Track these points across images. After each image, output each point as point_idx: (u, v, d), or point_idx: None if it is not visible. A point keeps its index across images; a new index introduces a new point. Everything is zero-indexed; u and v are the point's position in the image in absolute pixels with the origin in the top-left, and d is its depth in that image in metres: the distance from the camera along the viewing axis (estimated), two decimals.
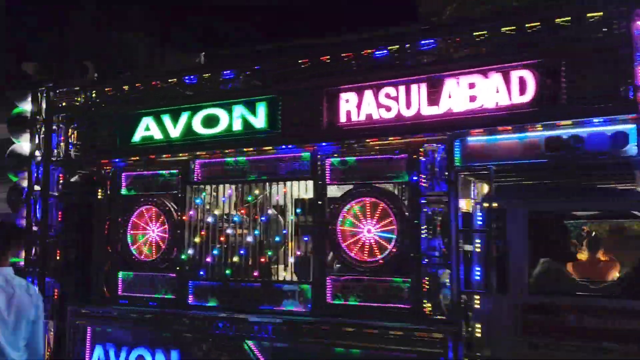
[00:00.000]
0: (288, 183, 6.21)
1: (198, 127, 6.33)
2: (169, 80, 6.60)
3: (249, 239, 6.31)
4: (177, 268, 6.40)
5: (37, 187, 7.21)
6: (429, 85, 5.29)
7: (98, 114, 6.98)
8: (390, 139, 5.51)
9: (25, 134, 7.48)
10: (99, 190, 6.95)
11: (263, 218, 6.52)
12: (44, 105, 7.27)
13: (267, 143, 6.02)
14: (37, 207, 7.23)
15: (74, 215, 7.30)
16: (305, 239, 6.22)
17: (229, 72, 6.28)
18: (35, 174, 7.28)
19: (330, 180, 5.80)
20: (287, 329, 5.65)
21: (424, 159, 5.38)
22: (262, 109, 6.02)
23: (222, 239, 6.41)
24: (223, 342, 5.89)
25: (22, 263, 7.33)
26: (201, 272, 6.36)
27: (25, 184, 7.44)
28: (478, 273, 5.08)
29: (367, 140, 5.63)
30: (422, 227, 5.33)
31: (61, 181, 7.33)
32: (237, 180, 6.34)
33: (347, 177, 5.75)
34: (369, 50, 5.61)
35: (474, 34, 5.17)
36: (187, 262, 6.38)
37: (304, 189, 6.33)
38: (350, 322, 5.41)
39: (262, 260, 6.27)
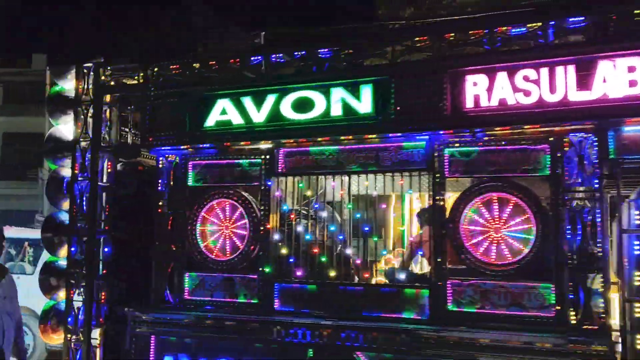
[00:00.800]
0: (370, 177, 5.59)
1: (287, 111, 5.61)
2: (252, 59, 5.85)
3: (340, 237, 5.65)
4: (261, 269, 5.68)
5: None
6: (577, 68, 4.73)
7: (161, 95, 6.15)
8: (525, 127, 4.94)
9: (66, 116, 6.60)
10: (159, 181, 6.15)
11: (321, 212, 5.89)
12: (89, 84, 6.42)
13: (374, 130, 5.35)
14: (83, 199, 6.38)
15: (125, 209, 6.49)
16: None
17: (326, 50, 5.58)
18: (81, 161, 6.42)
19: (449, 173, 5.19)
20: (404, 339, 5.00)
21: (569, 150, 4.82)
22: (367, 92, 5.35)
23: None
24: (326, 353, 5.20)
25: (61, 262, 6.48)
26: (299, 273, 5.65)
27: (65, 172, 6.58)
28: (638, 278, 4.56)
29: (497, 129, 5.04)
30: (566, 227, 4.78)
31: (109, 170, 6.49)
32: (331, 172, 5.65)
33: (469, 170, 5.15)
34: (504, 28, 5.02)
35: (635, 11, 4.63)
36: (273, 262, 5.68)
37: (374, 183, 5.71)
38: (483, 333, 4.81)
39: (368, 262, 5.63)
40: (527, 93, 4.85)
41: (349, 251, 6.00)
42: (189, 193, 6.08)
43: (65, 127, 6.62)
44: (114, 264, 6.35)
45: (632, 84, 4.57)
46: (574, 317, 4.68)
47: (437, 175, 5.19)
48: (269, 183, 5.74)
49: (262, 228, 5.71)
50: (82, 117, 6.43)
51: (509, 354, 4.69)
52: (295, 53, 5.69)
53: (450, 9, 5.83)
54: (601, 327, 4.59)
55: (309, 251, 5.78)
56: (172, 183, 6.17)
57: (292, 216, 5.90)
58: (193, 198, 6.05)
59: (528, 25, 4.93)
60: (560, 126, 4.82)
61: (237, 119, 5.80)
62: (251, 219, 5.77)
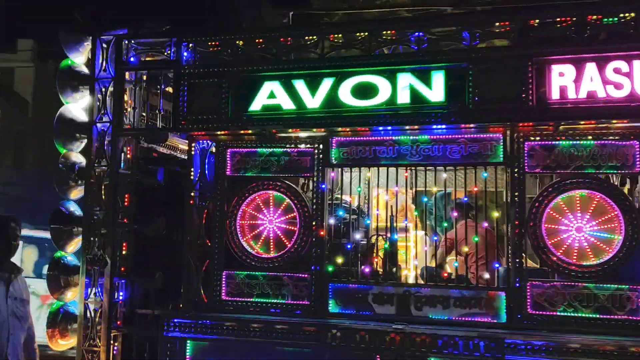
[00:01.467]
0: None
1: (346, 97, 5.15)
2: (307, 38, 5.35)
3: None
4: (313, 268, 5.21)
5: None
6: None
7: (197, 75, 5.53)
8: (614, 121, 4.71)
9: (77, 93, 5.89)
10: (192, 170, 5.54)
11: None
12: (109, 59, 5.72)
13: (446, 120, 4.97)
14: (101, 187, 5.69)
15: (148, 200, 5.85)
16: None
17: (392, 32, 5.17)
18: (97, 145, 5.72)
19: (529, 168, 4.90)
20: (487, 344, 4.67)
21: None
22: (439, 79, 4.97)
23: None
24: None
25: (69, 258, 5.78)
26: (367, 270, 5.22)
27: (75, 157, 5.87)
28: None
29: (582, 123, 4.78)
30: None
31: (128, 156, 5.83)
32: (392, 164, 5.24)
33: (551, 165, 4.87)
34: (594, 17, 4.76)
35: None
36: (327, 260, 5.22)
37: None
38: (573, 336, 4.55)
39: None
40: (618, 86, 4.63)
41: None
42: (226, 184, 5.52)
43: (75, 106, 5.90)
44: (134, 261, 5.72)
45: None
46: None
47: (515, 170, 4.89)
48: (321, 174, 5.28)
49: (314, 223, 5.24)
50: (99, 95, 5.73)
51: (602, 359, 4.45)
52: (355, 34, 5.24)
53: None
54: None
55: (368, 249, 5.36)
56: (206, 172, 5.58)
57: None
58: (232, 189, 5.50)
59: (621, 15, 4.71)
60: None
61: (287, 104, 5.28)
62: (302, 213, 5.28)
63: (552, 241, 4.77)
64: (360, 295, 5.11)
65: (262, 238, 5.39)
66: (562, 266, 4.73)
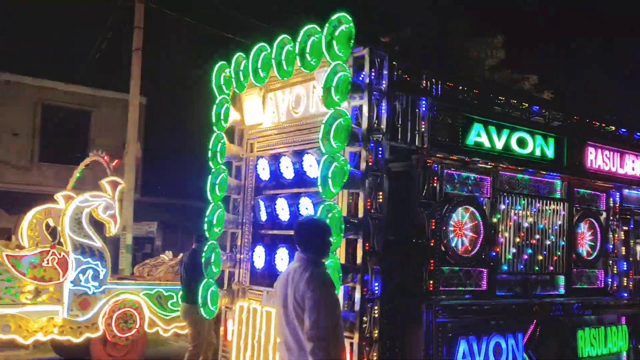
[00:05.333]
0: None
1: (514, 144, 7.49)
2: (512, 102, 7.35)
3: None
4: (491, 264, 7.24)
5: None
6: None
7: (439, 107, 6.69)
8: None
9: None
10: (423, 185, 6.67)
11: None
12: (381, 74, 6.21)
13: (553, 170, 7.93)
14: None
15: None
16: None
17: (536, 107, 7.76)
18: (365, 152, 6.14)
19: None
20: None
21: None
22: (552, 142, 7.92)
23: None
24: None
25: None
26: (504, 267, 7.44)
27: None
28: None
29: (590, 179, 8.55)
30: None
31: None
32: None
33: None
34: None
35: None
36: (496, 258, 7.34)
37: None
38: None
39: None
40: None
41: None
42: (443, 198, 6.85)
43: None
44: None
45: None
46: None
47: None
48: (491, 197, 7.36)
49: (492, 232, 7.27)
50: (375, 107, 6.15)
51: None
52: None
53: None
54: None
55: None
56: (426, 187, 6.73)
57: None
58: (445, 203, 6.88)
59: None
60: None
61: (486, 143, 7.19)
62: (484, 223, 7.19)
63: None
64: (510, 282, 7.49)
65: (460, 241, 7.03)
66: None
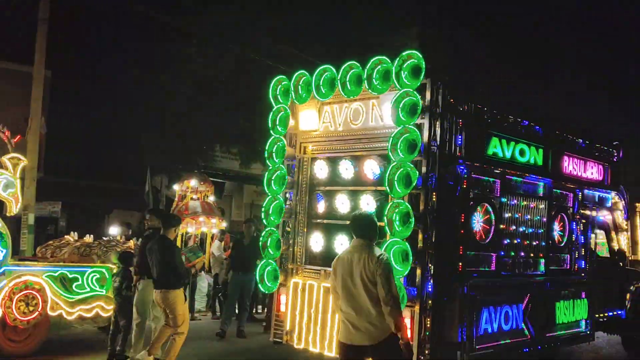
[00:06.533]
0: None
1: (516, 154, 9.37)
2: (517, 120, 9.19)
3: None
4: (498, 250, 9.09)
5: None
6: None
7: (470, 124, 8.42)
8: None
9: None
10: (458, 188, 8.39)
11: None
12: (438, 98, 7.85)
13: (542, 175, 9.90)
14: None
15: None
16: None
17: (535, 125, 9.67)
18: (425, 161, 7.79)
19: None
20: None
21: None
22: (541, 152, 9.87)
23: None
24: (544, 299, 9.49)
25: None
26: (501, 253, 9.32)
27: None
28: None
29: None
30: None
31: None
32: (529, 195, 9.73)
33: None
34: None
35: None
36: (501, 245, 9.20)
37: None
38: None
39: None
40: (584, 169, 10.73)
41: None
42: (467, 197, 8.59)
43: None
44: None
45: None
46: None
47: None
48: (500, 196, 9.21)
49: (501, 226, 9.12)
50: (433, 126, 7.78)
51: None
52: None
53: None
54: None
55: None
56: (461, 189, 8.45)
57: None
58: (470, 200, 8.63)
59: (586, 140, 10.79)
60: None
61: (500, 153, 9.01)
62: (497, 216, 9.03)
63: None
64: (507, 263, 9.40)
65: (476, 231, 8.83)
66: None
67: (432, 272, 7.82)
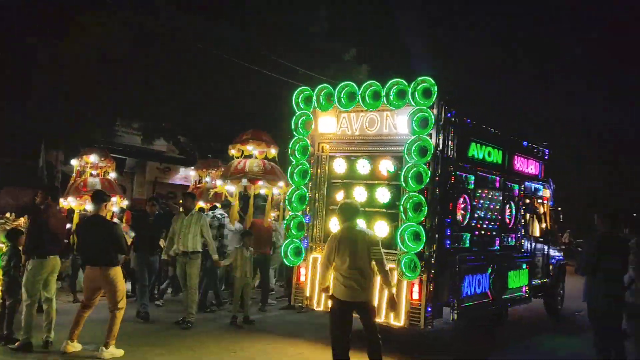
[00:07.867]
0: None
1: (486, 155, 11.83)
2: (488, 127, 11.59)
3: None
4: (472, 230, 11.52)
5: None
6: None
7: (461, 132, 10.73)
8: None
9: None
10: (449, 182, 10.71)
11: None
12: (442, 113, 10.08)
13: (501, 172, 12.44)
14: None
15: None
16: None
17: (492, 129, 12.15)
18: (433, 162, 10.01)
19: None
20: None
21: None
22: (500, 154, 12.40)
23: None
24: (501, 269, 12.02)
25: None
26: (476, 232, 11.77)
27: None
28: None
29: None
30: None
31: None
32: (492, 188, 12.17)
33: None
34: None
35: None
36: (473, 226, 11.62)
37: None
38: None
39: None
40: (526, 165, 13.39)
41: None
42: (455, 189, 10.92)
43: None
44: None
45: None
46: None
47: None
48: (474, 188, 11.63)
49: (473, 204, 11.55)
50: (438, 135, 10.01)
51: None
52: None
53: None
54: None
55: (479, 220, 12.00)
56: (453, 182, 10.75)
57: None
58: (456, 191, 10.95)
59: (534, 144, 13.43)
60: None
61: (477, 155, 11.42)
62: (469, 202, 11.46)
63: None
64: (478, 241, 11.88)
65: (460, 215, 11.19)
66: None
67: (434, 249, 10.12)
